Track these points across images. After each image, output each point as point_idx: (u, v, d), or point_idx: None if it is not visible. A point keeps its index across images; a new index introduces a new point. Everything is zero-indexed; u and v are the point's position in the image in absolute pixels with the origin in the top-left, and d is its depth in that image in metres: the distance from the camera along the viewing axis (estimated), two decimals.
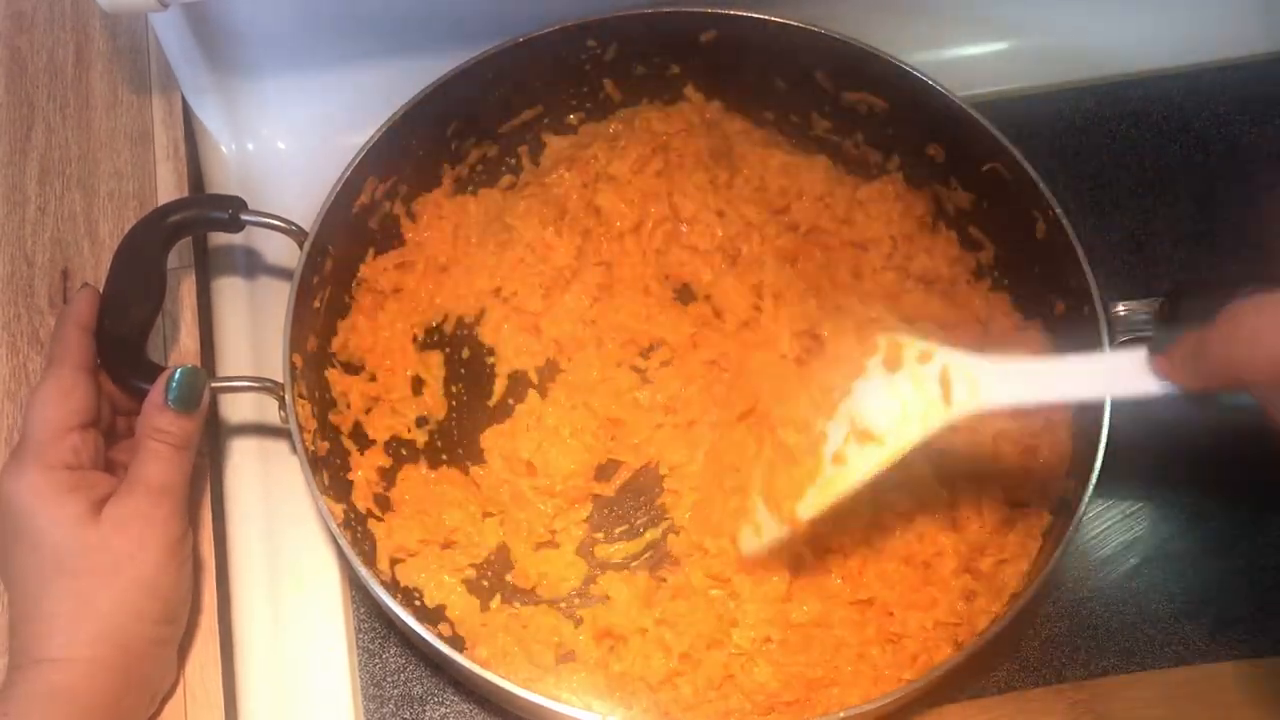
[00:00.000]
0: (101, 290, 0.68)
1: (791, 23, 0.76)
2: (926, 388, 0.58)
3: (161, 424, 0.63)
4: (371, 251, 0.78)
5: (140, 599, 0.60)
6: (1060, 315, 0.72)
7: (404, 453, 0.75)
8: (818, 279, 0.78)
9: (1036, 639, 0.70)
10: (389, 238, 0.79)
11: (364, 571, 0.64)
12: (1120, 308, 0.69)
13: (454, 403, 0.77)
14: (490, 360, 0.78)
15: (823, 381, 0.65)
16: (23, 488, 0.60)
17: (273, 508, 0.72)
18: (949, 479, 0.71)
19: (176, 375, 0.63)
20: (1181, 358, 0.52)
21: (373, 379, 0.76)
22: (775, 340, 0.75)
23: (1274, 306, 0.47)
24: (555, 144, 0.83)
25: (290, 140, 0.84)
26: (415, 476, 0.74)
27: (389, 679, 0.69)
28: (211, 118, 0.83)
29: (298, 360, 0.70)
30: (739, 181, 0.81)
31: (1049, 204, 0.71)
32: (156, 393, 0.63)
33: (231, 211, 0.71)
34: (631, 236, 0.79)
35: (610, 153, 0.81)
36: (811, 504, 0.63)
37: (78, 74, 0.83)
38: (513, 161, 0.83)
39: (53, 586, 0.59)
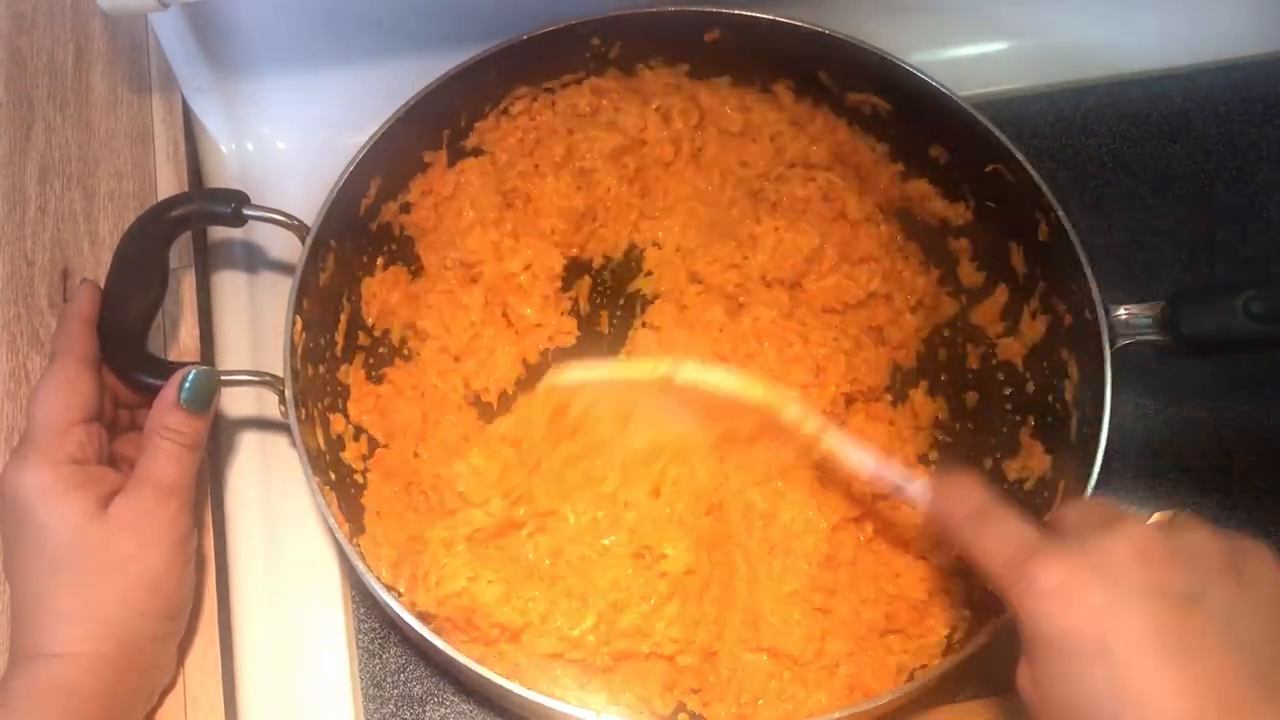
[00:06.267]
0: (103, 285, 0.68)
1: (795, 23, 0.76)
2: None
3: (173, 422, 0.62)
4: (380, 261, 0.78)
5: (144, 596, 0.60)
6: (1062, 320, 0.72)
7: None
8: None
9: None
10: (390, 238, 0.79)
11: (364, 569, 0.63)
12: (1121, 312, 0.69)
13: None
14: None
15: None
16: (28, 482, 0.59)
17: (272, 503, 0.72)
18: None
19: (191, 375, 0.63)
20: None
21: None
22: None
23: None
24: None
25: (290, 140, 0.84)
26: None
27: (389, 679, 0.69)
28: (211, 118, 0.83)
29: None
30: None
31: (1051, 206, 0.71)
32: (169, 391, 0.63)
33: (234, 206, 0.71)
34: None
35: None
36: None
37: (78, 74, 0.83)
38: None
39: (56, 582, 0.59)
